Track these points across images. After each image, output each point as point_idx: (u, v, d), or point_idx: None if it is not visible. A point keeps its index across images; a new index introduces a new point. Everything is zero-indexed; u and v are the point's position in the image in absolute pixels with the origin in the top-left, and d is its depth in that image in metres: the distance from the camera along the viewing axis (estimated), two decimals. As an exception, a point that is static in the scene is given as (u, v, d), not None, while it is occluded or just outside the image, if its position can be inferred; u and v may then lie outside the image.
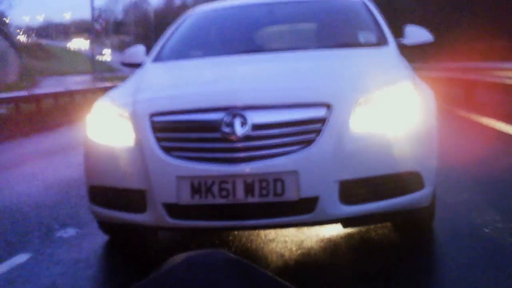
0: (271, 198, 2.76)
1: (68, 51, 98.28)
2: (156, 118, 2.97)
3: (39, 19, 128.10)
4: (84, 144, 3.39)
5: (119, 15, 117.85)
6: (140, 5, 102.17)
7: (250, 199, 2.77)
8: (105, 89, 21.54)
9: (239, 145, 2.81)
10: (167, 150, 2.90)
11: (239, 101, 2.87)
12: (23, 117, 14.39)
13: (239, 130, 2.79)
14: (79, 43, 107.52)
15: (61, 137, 12.13)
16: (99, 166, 3.24)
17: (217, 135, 2.83)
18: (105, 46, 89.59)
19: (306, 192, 2.76)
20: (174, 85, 3.55)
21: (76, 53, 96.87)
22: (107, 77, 39.04)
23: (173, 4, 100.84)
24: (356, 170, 2.85)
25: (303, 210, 2.80)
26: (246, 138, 2.80)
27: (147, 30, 79.24)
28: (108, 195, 3.16)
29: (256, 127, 2.81)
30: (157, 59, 4.22)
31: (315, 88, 3.08)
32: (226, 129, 2.80)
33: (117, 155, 3.08)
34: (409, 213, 3.13)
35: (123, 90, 3.61)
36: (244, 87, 3.12)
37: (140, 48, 4.45)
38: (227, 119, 2.81)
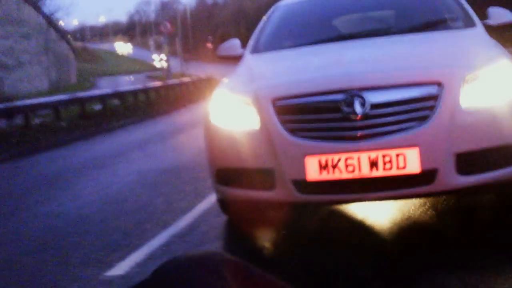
0: (394, 172, 2.95)
1: (111, 53, 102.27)
2: (279, 103, 3.18)
3: (74, 22, 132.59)
4: (206, 130, 3.60)
5: (152, 16, 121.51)
6: (171, 6, 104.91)
7: (375, 173, 2.96)
8: (191, 83, 25.45)
9: (360, 123, 3.00)
10: (292, 131, 3.11)
11: (357, 83, 3.07)
12: (142, 104, 18.08)
13: (359, 109, 2.99)
14: (122, 46, 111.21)
15: (189, 115, 15.42)
16: (225, 150, 3.44)
17: (338, 115, 3.04)
18: (146, 47, 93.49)
19: (426, 165, 2.94)
20: (289, 72, 3.74)
21: (118, 55, 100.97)
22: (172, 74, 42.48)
23: (205, 3, 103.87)
24: (470, 143, 3.02)
25: (424, 182, 2.98)
26: (366, 116, 3.00)
27: (184, 29, 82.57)
28: (236, 175, 3.37)
29: (374, 106, 3.00)
30: (255, 50, 4.43)
31: (426, 67, 3.25)
32: (347, 109, 3.01)
33: (243, 138, 3.29)
34: None
35: (237, 80, 3.85)
36: (360, 70, 3.31)
37: (235, 42, 4.68)
38: (347, 100, 3.01)
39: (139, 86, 20.78)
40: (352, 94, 3.01)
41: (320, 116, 3.11)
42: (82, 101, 14.95)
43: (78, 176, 7.28)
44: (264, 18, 4.96)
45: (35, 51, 37.55)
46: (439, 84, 3.02)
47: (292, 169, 3.09)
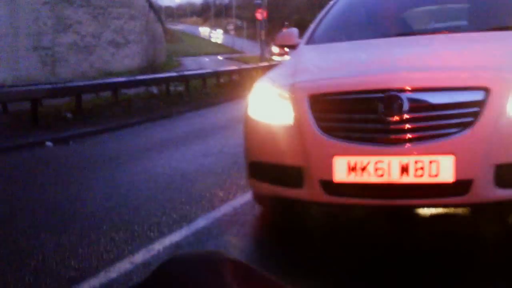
0: (425, 179, 2.81)
1: (188, 34, 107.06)
2: (315, 99, 3.11)
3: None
4: (244, 122, 3.60)
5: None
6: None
7: (405, 179, 2.83)
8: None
9: (396, 126, 2.87)
10: (325, 130, 3.03)
11: (397, 84, 2.91)
12: (257, 79, 22.53)
13: (396, 112, 2.85)
14: (214, 33, 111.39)
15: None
16: (259, 143, 3.43)
17: (374, 116, 2.92)
18: (219, 28, 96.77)
19: (461, 175, 2.79)
20: (331, 67, 3.65)
21: (195, 36, 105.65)
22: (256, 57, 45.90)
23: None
24: None
25: (456, 192, 2.84)
26: (403, 120, 2.85)
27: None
28: (267, 170, 3.36)
29: (413, 109, 2.86)
30: (310, 41, 4.36)
31: (473, 72, 3.04)
32: (383, 111, 2.88)
33: (277, 133, 3.24)
34: None
35: (281, 72, 3.80)
36: (401, 70, 3.12)
37: (293, 31, 4.62)
38: (384, 101, 2.88)
39: (253, 65, 25.64)
40: (391, 95, 2.89)
41: (355, 116, 3.04)
42: (218, 75, 20.06)
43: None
44: (326, 7, 4.90)
45: (139, 31, 42.10)
46: (486, 89, 2.84)
47: (320, 169, 3.04)
